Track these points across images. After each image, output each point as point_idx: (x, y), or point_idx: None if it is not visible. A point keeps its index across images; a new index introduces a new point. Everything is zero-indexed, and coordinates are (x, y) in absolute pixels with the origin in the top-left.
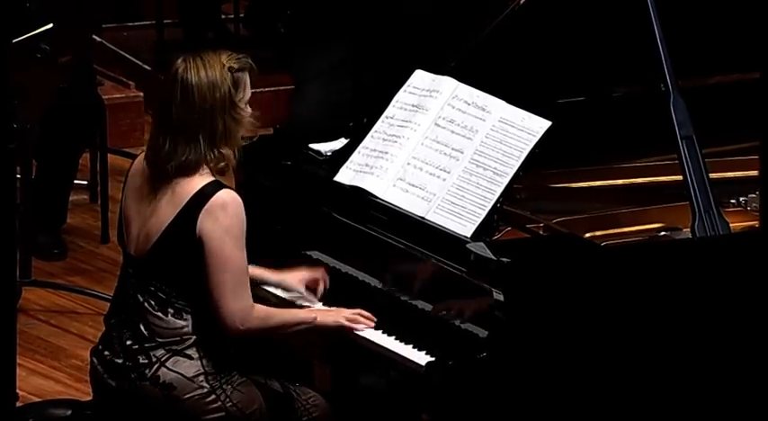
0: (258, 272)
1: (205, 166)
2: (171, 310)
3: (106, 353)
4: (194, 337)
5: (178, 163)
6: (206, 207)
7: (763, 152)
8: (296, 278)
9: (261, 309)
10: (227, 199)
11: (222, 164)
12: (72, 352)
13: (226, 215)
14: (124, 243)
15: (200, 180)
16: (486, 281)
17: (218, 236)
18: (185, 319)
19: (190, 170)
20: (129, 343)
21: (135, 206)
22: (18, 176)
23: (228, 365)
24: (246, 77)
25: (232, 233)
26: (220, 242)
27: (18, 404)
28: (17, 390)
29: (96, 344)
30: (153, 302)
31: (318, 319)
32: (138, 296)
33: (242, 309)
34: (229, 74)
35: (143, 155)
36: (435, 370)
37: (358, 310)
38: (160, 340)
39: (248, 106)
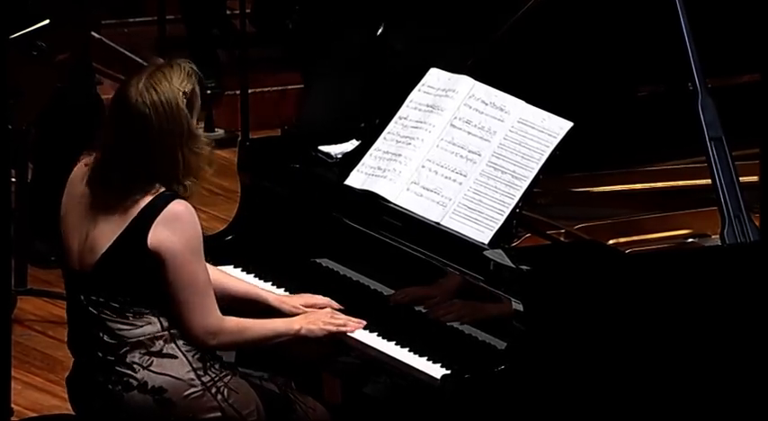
0: (254, 291)
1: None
2: (129, 315)
3: (81, 375)
4: (166, 333)
5: (120, 187)
6: (159, 219)
7: (764, 154)
8: (297, 301)
9: (233, 322)
10: (181, 210)
11: (184, 193)
12: (69, 364)
13: (182, 227)
14: (64, 257)
15: (148, 192)
16: (504, 290)
17: (178, 251)
18: (147, 319)
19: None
20: (100, 355)
21: (75, 218)
22: (13, 180)
23: (212, 354)
24: (197, 94)
25: (191, 246)
26: (182, 258)
27: (13, 419)
28: (12, 405)
29: (70, 372)
30: (108, 312)
31: (303, 331)
32: (91, 309)
33: (212, 323)
34: (185, 100)
35: (84, 162)
36: (451, 383)
37: (346, 318)
38: (131, 341)
39: (199, 124)
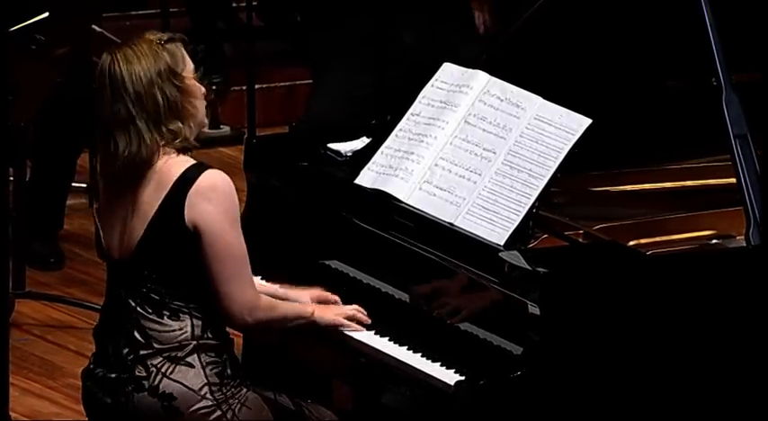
0: (265, 288)
1: (169, 150)
2: (167, 313)
3: (98, 370)
4: (193, 343)
5: (124, 159)
6: (193, 190)
7: (764, 154)
8: (306, 293)
9: (266, 298)
10: (217, 179)
11: (178, 141)
12: (69, 370)
13: (219, 197)
14: (104, 252)
15: (180, 164)
16: (520, 293)
17: (216, 221)
18: (183, 321)
19: (144, 162)
20: (125, 351)
21: (110, 210)
22: (11, 179)
23: (234, 373)
24: (182, 49)
25: (230, 216)
26: (220, 229)
27: None
28: (9, 412)
29: (87, 366)
30: (147, 306)
31: (316, 314)
32: (130, 301)
33: (251, 299)
34: (161, 46)
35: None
36: (465, 389)
37: (355, 307)
38: (157, 346)
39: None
